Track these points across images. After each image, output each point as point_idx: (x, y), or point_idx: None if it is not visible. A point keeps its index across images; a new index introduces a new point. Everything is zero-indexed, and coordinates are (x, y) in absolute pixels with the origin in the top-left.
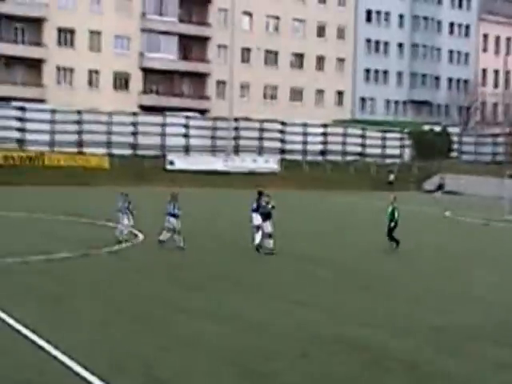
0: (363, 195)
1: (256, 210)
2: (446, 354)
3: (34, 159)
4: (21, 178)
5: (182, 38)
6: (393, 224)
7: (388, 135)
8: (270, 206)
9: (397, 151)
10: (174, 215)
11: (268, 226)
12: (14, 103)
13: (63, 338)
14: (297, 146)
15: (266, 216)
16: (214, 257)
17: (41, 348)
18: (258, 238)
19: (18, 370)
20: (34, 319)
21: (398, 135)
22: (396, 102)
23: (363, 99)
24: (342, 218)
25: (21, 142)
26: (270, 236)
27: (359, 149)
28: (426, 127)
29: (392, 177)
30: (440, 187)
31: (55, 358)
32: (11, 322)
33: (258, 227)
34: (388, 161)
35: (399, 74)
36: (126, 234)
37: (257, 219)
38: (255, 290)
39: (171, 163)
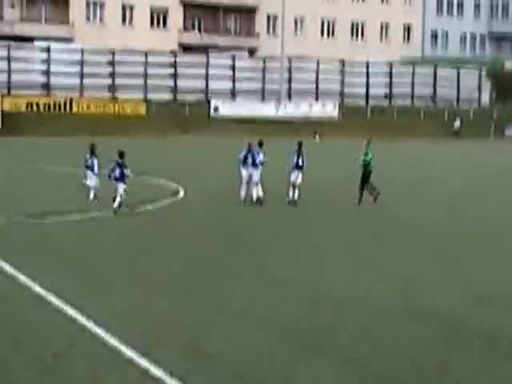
0: (435, 145)
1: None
2: None
3: (61, 106)
4: (46, 128)
5: None
6: (365, 171)
7: (463, 75)
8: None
9: (474, 93)
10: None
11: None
12: (38, 43)
13: (95, 306)
14: (358, 88)
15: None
16: (267, 216)
17: (71, 317)
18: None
19: (47, 342)
20: (64, 285)
21: (475, 75)
22: (473, 37)
23: (435, 33)
24: (407, 171)
25: (46, 86)
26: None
27: (430, 91)
28: (508, 65)
29: (458, 123)
30: None
31: (87, 328)
32: (38, 289)
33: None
34: (464, 104)
35: (476, 4)
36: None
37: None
38: (314, 253)
39: (215, 110)
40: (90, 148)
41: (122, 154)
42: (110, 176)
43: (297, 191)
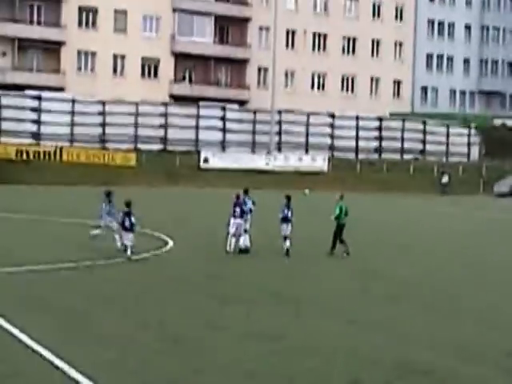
0: (423, 200)
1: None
2: None
3: (51, 155)
4: (35, 176)
5: (219, 18)
6: (339, 224)
7: (453, 131)
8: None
9: (463, 149)
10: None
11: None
12: (29, 92)
13: (84, 357)
14: (348, 142)
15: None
16: (255, 268)
17: (59, 369)
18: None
19: None
20: (52, 336)
21: (464, 131)
22: (462, 93)
23: (424, 89)
24: (401, 226)
25: (36, 135)
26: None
27: (420, 146)
28: (497, 121)
29: (446, 178)
30: None
31: (76, 380)
32: (26, 339)
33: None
34: (453, 159)
35: (466, 61)
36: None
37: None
38: (302, 306)
39: (205, 161)
40: (106, 195)
41: (128, 204)
42: (121, 226)
43: (288, 242)
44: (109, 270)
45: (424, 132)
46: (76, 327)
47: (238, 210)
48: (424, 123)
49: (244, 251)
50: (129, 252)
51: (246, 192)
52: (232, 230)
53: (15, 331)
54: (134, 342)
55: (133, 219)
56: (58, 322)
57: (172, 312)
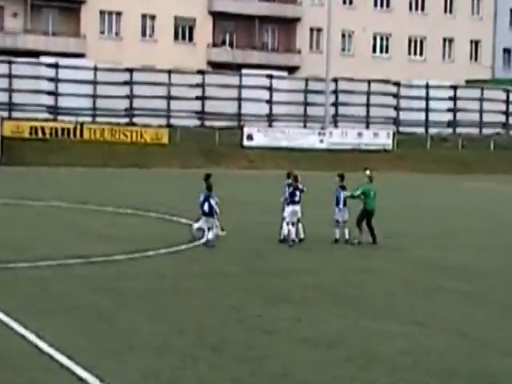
0: (505, 180)
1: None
2: None
3: (71, 132)
4: (53, 157)
5: None
6: (366, 210)
7: None
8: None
9: None
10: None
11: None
12: (45, 59)
13: (110, 367)
14: (416, 114)
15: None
16: (307, 262)
17: (83, 380)
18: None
19: None
20: (73, 342)
21: None
22: None
23: (508, 51)
24: (480, 213)
25: (53, 109)
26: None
27: (502, 118)
28: None
29: None
30: None
31: None
32: (43, 346)
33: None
34: None
35: None
36: None
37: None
38: (360, 306)
39: (249, 138)
40: (205, 179)
41: (210, 187)
42: (200, 210)
43: (338, 229)
44: (139, 265)
45: (507, 102)
46: (101, 331)
47: (297, 193)
48: (507, 91)
49: (300, 241)
50: (210, 236)
51: (294, 178)
52: (289, 217)
53: (32, 337)
54: (168, 349)
55: (213, 202)
56: (80, 326)
57: (212, 313)
